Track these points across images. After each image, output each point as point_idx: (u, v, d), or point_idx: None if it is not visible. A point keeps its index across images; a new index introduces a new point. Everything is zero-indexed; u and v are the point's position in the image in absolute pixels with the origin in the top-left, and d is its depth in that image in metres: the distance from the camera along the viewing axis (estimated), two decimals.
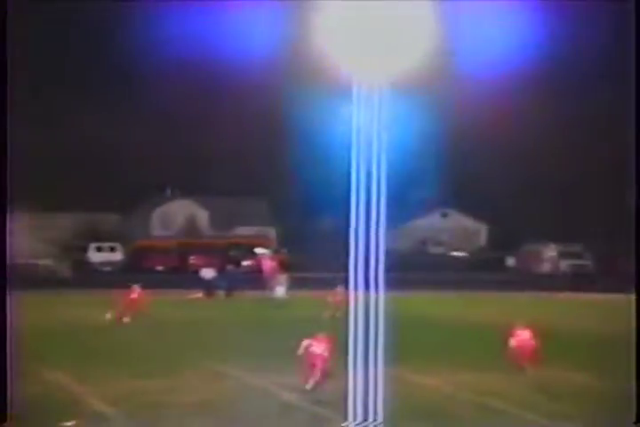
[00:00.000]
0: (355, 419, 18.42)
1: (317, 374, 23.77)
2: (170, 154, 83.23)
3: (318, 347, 24.33)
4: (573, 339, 33.21)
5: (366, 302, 19.13)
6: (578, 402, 22.82)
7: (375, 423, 18.15)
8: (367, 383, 18.43)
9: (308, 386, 23.39)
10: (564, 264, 64.72)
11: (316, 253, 71.41)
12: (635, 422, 14.20)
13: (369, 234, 18.21)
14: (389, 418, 18.29)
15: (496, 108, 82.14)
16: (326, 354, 23.93)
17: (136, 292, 36.56)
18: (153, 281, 42.76)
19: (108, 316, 35.55)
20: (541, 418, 20.97)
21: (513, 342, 26.17)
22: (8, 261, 17.13)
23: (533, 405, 22.35)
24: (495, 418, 21.17)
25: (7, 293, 17.12)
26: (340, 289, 34.63)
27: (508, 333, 34.24)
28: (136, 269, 63.31)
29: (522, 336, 26.21)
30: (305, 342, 24.37)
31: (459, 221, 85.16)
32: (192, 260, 61.33)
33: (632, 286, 39.32)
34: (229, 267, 47.24)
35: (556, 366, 27.21)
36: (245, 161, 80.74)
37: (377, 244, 18.34)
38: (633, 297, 36.97)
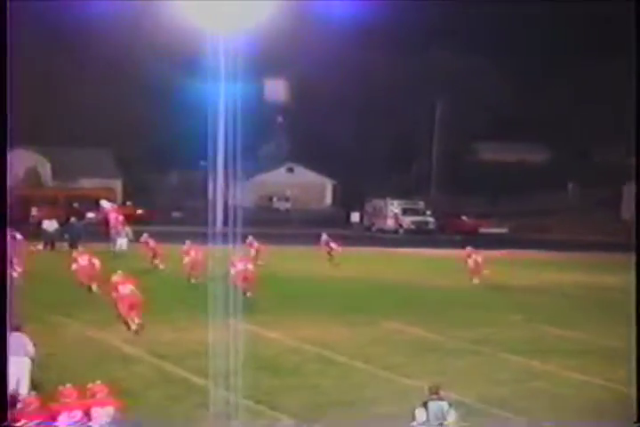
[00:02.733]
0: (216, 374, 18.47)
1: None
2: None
3: (125, 287, 25.03)
4: (414, 293, 34.05)
5: (225, 257, 19.07)
6: (413, 353, 23.49)
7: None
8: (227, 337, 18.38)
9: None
10: (407, 221, 65.87)
11: (163, 207, 70.94)
12: (635, 422, 14.77)
13: (227, 190, 18.31)
14: (241, 371, 18.50)
15: (346, 62, 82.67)
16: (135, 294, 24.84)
17: None
18: None
19: None
20: (378, 370, 21.49)
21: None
22: None
23: (373, 357, 22.88)
24: (337, 370, 21.60)
25: None
26: (188, 243, 34.56)
27: (350, 287, 34.99)
28: None
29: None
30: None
31: (305, 176, 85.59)
32: (34, 212, 60.01)
33: (473, 242, 40.32)
34: (73, 219, 46.47)
35: (396, 319, 27.89)
36: (91, 111, 79.20)
37: (235, 199, 18.49)
38: (467, 253, 37.97)
